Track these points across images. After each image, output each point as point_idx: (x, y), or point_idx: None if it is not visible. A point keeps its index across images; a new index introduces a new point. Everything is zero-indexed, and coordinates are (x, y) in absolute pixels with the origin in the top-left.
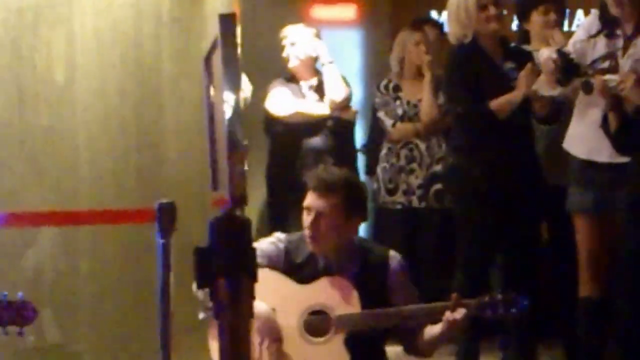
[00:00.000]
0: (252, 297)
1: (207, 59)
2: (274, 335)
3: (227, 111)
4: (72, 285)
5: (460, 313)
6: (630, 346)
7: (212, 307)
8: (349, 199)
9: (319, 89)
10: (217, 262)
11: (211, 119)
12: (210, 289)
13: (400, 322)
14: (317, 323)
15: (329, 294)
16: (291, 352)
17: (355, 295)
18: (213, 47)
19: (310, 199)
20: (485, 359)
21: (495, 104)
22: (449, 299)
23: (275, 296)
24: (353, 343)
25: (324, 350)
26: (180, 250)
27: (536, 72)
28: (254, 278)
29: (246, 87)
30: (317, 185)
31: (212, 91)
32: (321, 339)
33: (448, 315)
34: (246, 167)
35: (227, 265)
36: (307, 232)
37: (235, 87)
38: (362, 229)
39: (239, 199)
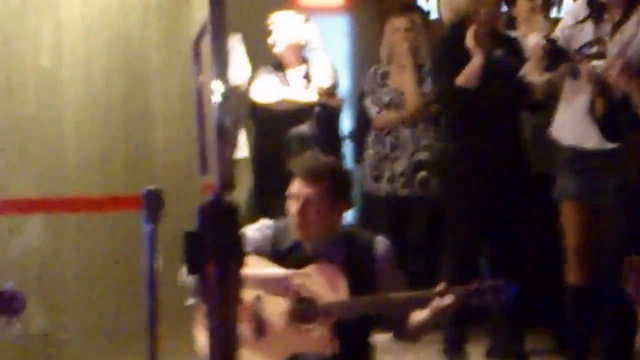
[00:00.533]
0: (241, 283)
1: (196, 44)
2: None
3: (216, 96)
4: (58, 273)
5: (448, 300)
6: (617, 333)
7: (201, 293)
8: (335, 186)
9: (306, 76)
10: (206, 247)
11: (200, 104)
12: (199, 274)
13: (387, 309)
14: (304, 310)
15: (316, 281)
16: (278, 339)
17: (342, 282)
18: (202, 32)
19: (297, 187)
20: (472, 345)
21: (461, 77)
22: (436, 285)
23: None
24: (341, 329)
25: (311, 338)
26: (167, 237)
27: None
28: (242, 263)
29: (244, 71)
30: (303, 172)
31: (200, 76)
32: (308, 326)
33: (436, 302)
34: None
35: (215, 251)
36: (293, 219)
37: (224, 73)
38: (349, 216)
39: (228, 184)
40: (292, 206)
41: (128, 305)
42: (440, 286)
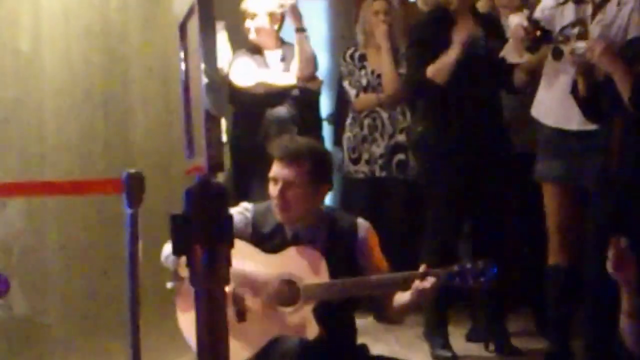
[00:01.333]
0: (229, 264)
1: (182, 26)
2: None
3: (204, 78)
4: (40, 257)
5: (429, 282)
6: (598, 314)
7: (189, 275)
8: (315, 167)
9: (284, 59)
10: (193, 229)
11: (186, 86)
12: (186, 256)
13: (369, 291)
14: (286, 293)
15: (298, 264)
16: (260, 322)
17: (323, 264)
18: (189, 14)
19: (277, 169)
20: (454, 326)
21: (431, 68)
22: (416, 267)
23: (243, 266)
24: (323, 312)
25: (292, 320)
26: (147, 220)
27: (470, 28)
28: (230, 245)
29: (225, 56)
30: (283, 154)
31: (187, 60)
32: (290, 309)
33: (417, 284)
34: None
35: (203, 232)
36: (274, 202)
37: (212, 54)
38: (329, 199)
39: (216, 167)
40: (273, 188)
41: (110, 289)
42: (421, 268)
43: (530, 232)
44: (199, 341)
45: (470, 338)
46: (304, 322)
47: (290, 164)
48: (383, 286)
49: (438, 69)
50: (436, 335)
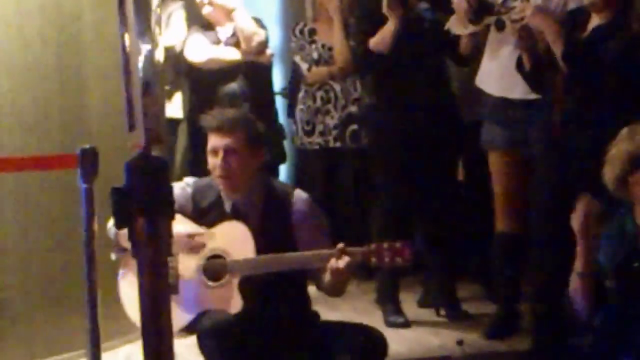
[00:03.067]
0: (170, 236)
1: (121, 3)
2: None
3: (141, 54)
4: None
5: (344, 261)
6: (545, 280)
7: (131, 246)
8: (250, 132)
9: (235, 34)
10: (134, 202)
11: (126, 62)
12: (128, 229)
13: (288, 267)
14: (214, 267)
15: (228, 239)
16: (189, 294)
17: (250, 240)
18: None
19: (216, 140)
20: (405, 293)
21: (373, 39)
22: (370, 235)
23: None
24: (271, 283)
25: (218, 294)
26: (103, 194)
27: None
28: (171, 216)
29: (180, 33)
30: (218, 125)
31: (126, 34)
32: (217, 283)
33: (332, 262)
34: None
35: (144, 205)
36: (217, 172)
37: (148, 30)
38: (283, 170)
39: (155, 140)
40: (213, 160)
41: (68, 263)
42: (338, 247)
43: (479, 199)
44: (143, 312)
45: (422, 304)
46: (229, 296)
47: (227, 133)
48: (301, 263)
49: (378, 41)
50: (388, 302)
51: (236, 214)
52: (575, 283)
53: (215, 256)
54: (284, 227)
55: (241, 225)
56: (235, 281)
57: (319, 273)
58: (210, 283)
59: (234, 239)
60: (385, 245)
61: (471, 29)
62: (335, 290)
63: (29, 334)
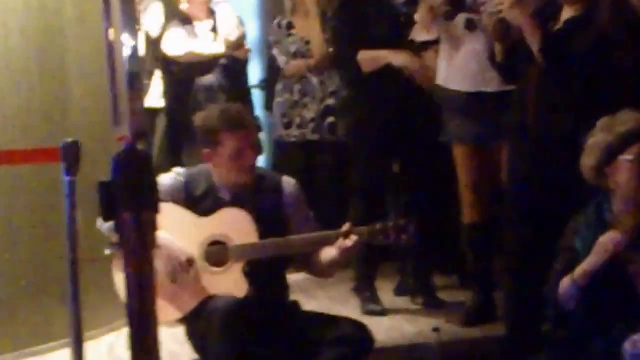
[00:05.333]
0: (155, 229)
1: None
2: (183, 256)
3: (126, 48)
4: None
5: (352, 240)
6: (517, 267)
7: (117, 240)
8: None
9: (213, 29)
10: (120, 195)
11: (111, 57)
12: (114, 222)
13: (294, 250)
14: (216, 253)
15: (228, 225)
16: (192, 283)
17: (252, 225)
18: None
19: (251, 137)
20: (382, 281)
21: (362, 56)
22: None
23: (176, 229)
24: (253, 271)
25: (223, 280)
26: (86, 188)
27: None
28: (156, 210)
29: (158, 25)
30: (248, 122)
31: (111, 29)
32: (220, 269)
33: (340, 242)
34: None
35: (130, 199)
36: (248, 164)
37: (133, 25)
38: (261, 163)
39: (140, 134)
40: (250, 154)
41: (52, 254)
42: (345, 227)
43: (449, 190)
44: (129, 304)
45: (398, 292)
46: (233, 281)
47: (251, 126)
48: (308, 245)
49: (369, 64)
50: (365, 290)
51: (229, 202)
52: (567, 289)
53: (216, 242)
54: (277, 212)
55: (241, 211)
56: (240, 266)
57: (312, 257)
58: (214, 269)
59: (235, 225)
60: (390, 223)
61: (436, 33)
62: (331, 271)
63: (12, 323)
